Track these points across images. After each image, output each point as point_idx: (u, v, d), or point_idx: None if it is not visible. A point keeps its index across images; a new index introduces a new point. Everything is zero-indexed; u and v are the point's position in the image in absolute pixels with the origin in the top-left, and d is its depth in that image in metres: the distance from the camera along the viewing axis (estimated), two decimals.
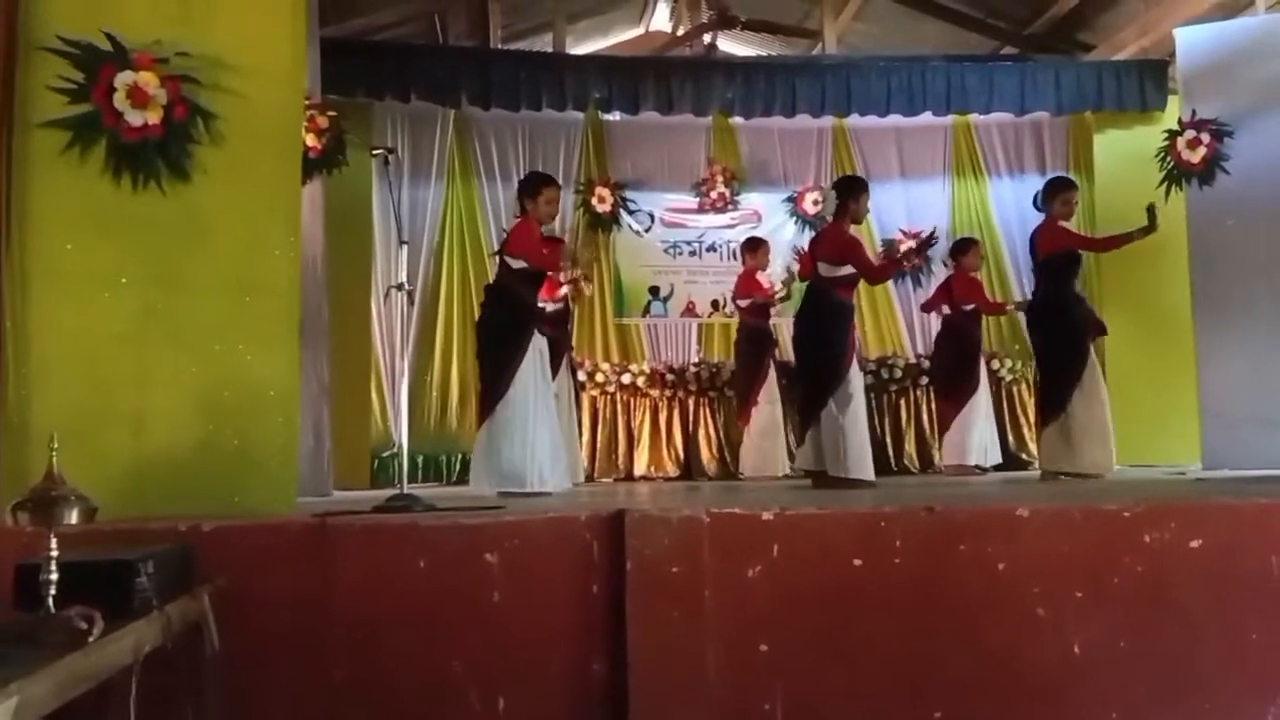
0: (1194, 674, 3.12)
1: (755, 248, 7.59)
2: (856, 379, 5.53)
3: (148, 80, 3.50)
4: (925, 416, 8.04)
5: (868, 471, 5.42)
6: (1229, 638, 3.14)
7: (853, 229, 5.71)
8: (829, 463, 5.43)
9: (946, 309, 7.52)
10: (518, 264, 5.25)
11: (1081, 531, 3.17)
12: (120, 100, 3.48)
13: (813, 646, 3.03)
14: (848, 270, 5.56)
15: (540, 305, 5.65)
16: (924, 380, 8.05)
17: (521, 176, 8.49)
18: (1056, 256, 5.89)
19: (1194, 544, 3.16)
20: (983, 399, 7.35)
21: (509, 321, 5.22)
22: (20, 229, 3.40)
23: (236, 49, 3.66)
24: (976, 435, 7.29)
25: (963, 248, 7.56)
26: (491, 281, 5.53)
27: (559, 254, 5.70)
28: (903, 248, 8.54)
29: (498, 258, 5.52)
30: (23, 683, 1.64)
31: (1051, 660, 3.08)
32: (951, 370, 7.42)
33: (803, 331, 5.83)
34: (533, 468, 5.06)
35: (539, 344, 5.25)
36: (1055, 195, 6.00)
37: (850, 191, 5.68)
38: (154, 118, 3.51)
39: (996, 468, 7.35)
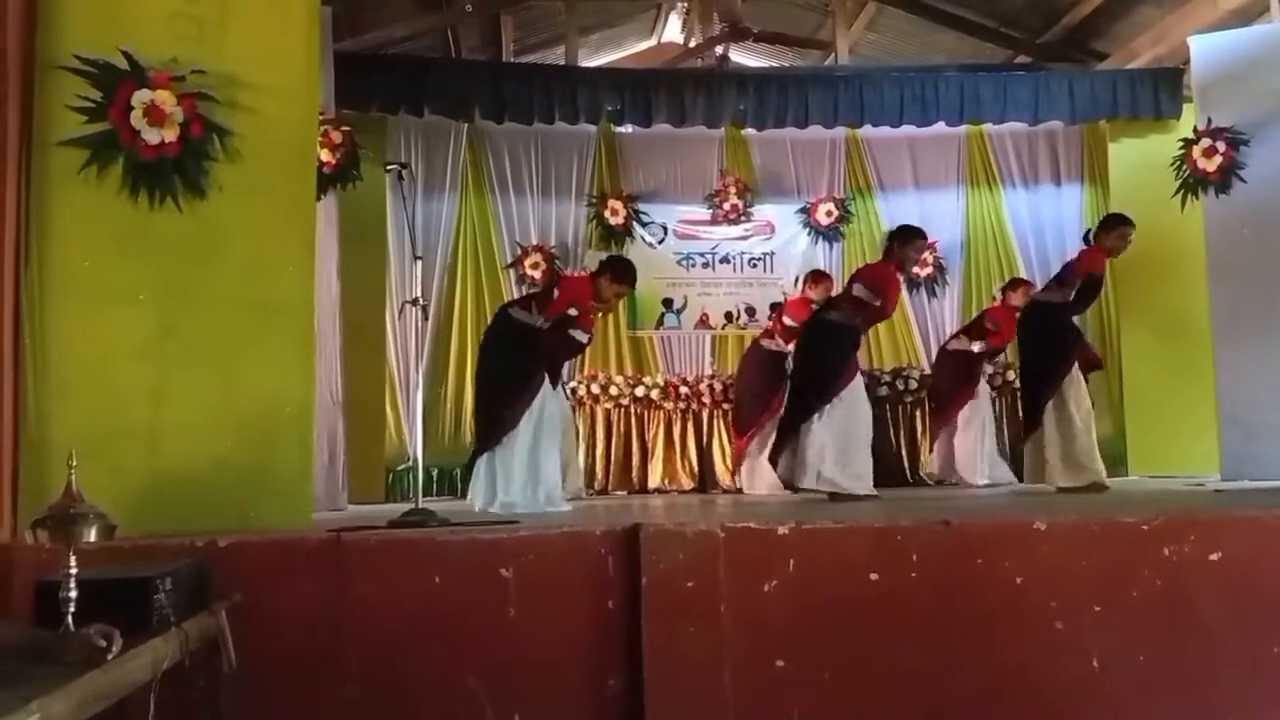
0: (1214, 688, 3.10)
1: (819, 281, 7.40)
2: (849, 398, 5.55)
3: (164, 98, 3.54)
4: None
5: (859, 488, 5.46)
6: (1250, 651, 3.11)
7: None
8: (799, 475, 5.54)
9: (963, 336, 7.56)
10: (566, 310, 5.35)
11: (1099, 545, 3.15)
12: (137, 118, 3.51)
13: (829, 662, 3.02)
14: (877, 303, 5.67)
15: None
16: None
17: (534, 189, 8.68)
18: (1090, 280, 5.93)
19: (1214, 557, 3.14)
20: (977, 418, 7.34)
21: (524, 354, 5.23)
22: (39, 246, 3.43)
23: (251, 66, 3.70)
24: (964, 451, 7.31)
25: (1014, 285, 7.56)
26: (516, 319, 5.44)
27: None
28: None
29: (541, 311, 5.46)
30: (43, 700, 1.65)
31: (1070, 675, 3.06)
32: (950, 385, 7.46)
33: (806, 345, 6.02)
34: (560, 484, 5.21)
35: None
36: (1113, 228, 5.97)
37: (899, 237, 5.81)
38: (171, 135, 3.54)
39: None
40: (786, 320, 7.31)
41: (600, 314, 6.03)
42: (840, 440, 5.51)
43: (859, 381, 5.66)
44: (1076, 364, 5.86)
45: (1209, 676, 3.09)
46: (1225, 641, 3.10)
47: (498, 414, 5.17)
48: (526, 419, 5.09)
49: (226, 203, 3.63)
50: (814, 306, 7.05)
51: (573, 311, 5.39)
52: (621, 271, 5.64)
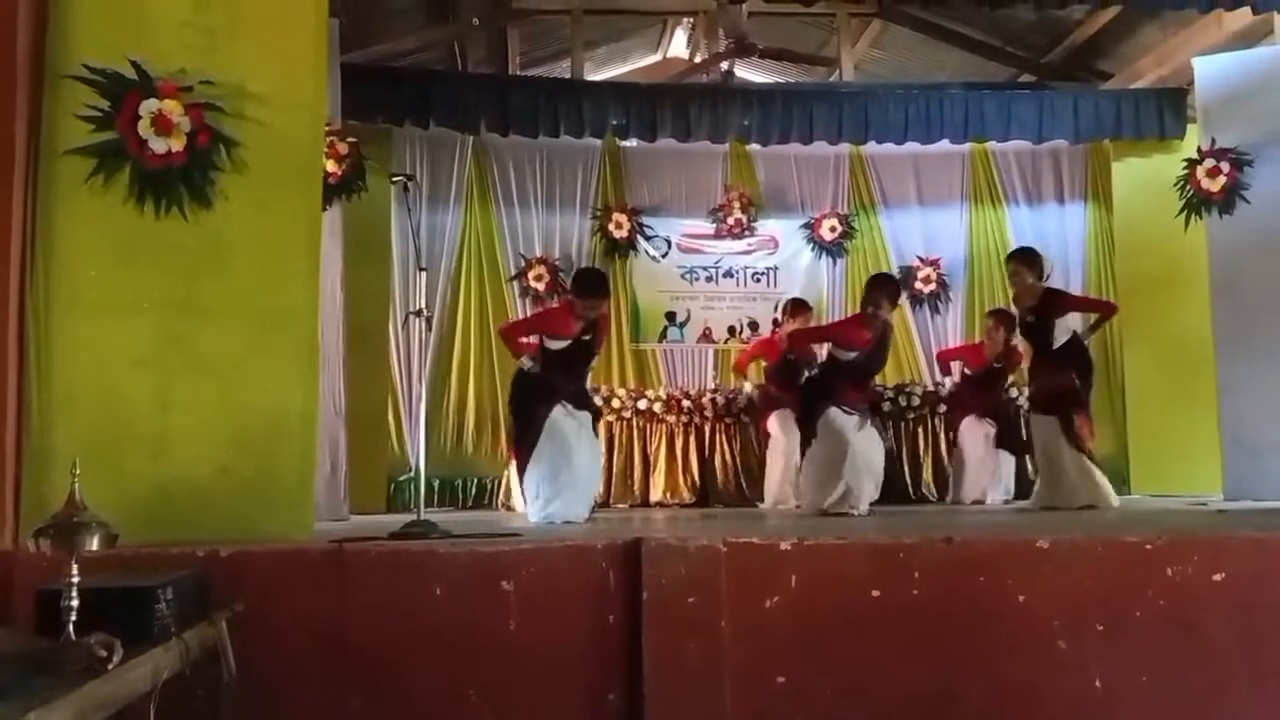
0: (1217, 709, 3.08)
1: (798, 312, 7.45)
2: (830, 424, 5.70)
3: (172, 108, 3.55)
4: (943, 444, 7.99)
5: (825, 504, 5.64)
6: (1253, 672, 3.10)
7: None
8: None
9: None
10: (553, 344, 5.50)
11: (1103, 564, 3.14)
12: (145, 128, 3.52)
13: (830, 679, 3.01)
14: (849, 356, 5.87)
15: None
16: (942, 408, 8.00)
17: (539, 202, 8.71)
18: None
19: (1217, 577, 3.12)
20: (973, 437, 7.40)
21: (521, 398, 5.55)
22: (45, 255, 3.44)
23: (259, 76, 3.71)
24: (959, 469, 7.44)
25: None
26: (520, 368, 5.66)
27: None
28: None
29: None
30: (42, 710, 1.65)
31: (1072, 695, 3.04)
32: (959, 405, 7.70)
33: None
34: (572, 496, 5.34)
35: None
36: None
37: (867, 286, 6.05)
38: (178, 145, 3.55)
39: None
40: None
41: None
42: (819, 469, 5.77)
43: (834, 415, 5.72)
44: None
45: (1212, 697, 3.07)
46: (1229, 662, 3.08)
47: (517, 445, 5.50)
48: (540, 443, 5.28)
49: (232, 213, 3.64)
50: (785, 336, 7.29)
51: (555, 345, 5.47)
52: (581, 286, 5.59)
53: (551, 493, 5.24)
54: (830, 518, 5.47)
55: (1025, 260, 6.14)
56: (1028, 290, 6.07)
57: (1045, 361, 6.06)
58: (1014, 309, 6.64)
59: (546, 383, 5.41)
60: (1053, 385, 6.00)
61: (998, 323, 7.22)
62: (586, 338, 5.50)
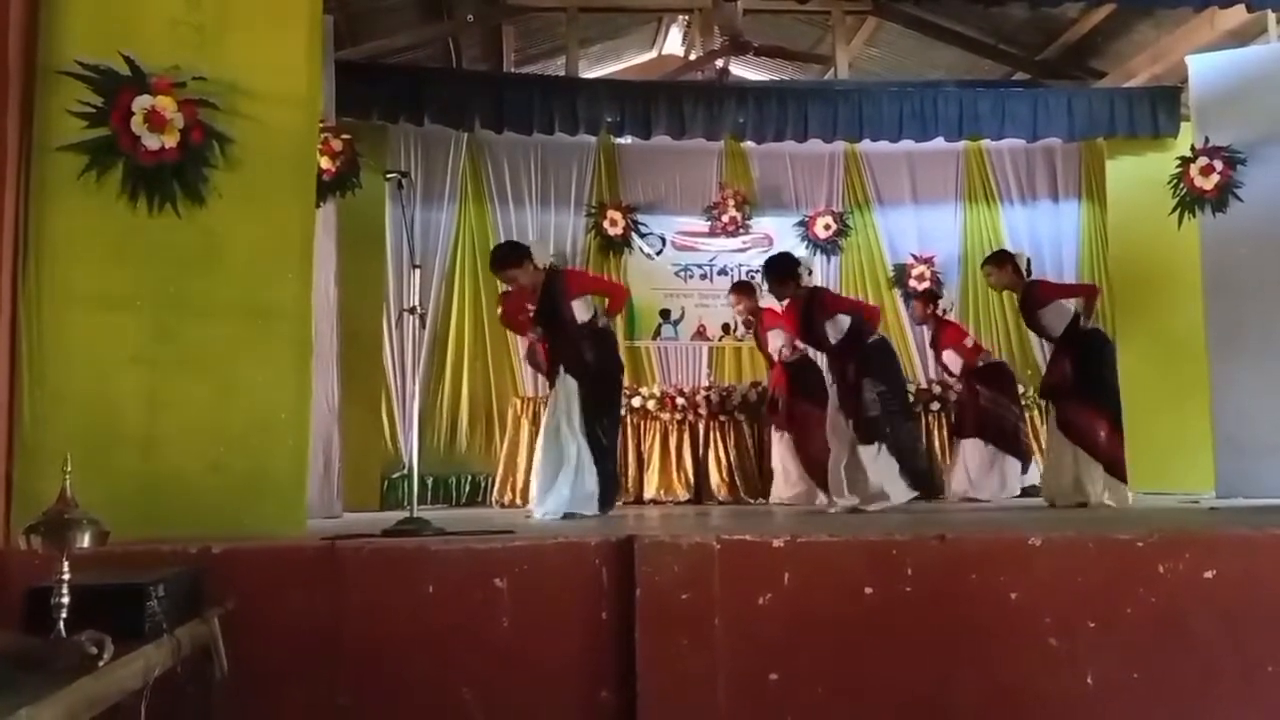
0: (1208, 707, 3.09)
1: (741, 294, 7.58)
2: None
3: (165, 104, 3.54)
4: (936, 441, 8.00)
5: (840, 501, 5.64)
6: (1243, 670, 3.11)
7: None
8: None
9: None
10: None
11: (1095, 561, 3.15)
12: (138, 124, 3.51)
13: (823, 676, 3.02)
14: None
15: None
16: (935, 405, 8.01)
17: (533, 199, 8.71)
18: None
19: (1208, 575, 3.14)
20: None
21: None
22: (37, 252, 3.44)
23: (253, 73, 3.70)
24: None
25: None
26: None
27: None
28: None
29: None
30: (32, 708, 1.64)
31: (1064, 691, 3.05)
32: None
33: None
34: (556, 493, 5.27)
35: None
36: None
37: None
38: (171, 141, 3.54)
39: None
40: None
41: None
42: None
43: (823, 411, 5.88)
44: None
45: (1203, 695, 3.08)
46: (1219, 660, 3.09)
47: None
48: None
49: (225, 210, 3.63)
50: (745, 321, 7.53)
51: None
52: (490, 262, 5.67)
53: (539, 493, 5.27)
54: (820, 516, 5.48)
55: (994, 261, 6.30)
56: (1008, 287, 6.29)
57: (1054, 350, 6.17)
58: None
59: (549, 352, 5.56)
60: (1051, 373, 6.16)
61: (918, 303, 7.91)
62: (533, 308, 5.55)
